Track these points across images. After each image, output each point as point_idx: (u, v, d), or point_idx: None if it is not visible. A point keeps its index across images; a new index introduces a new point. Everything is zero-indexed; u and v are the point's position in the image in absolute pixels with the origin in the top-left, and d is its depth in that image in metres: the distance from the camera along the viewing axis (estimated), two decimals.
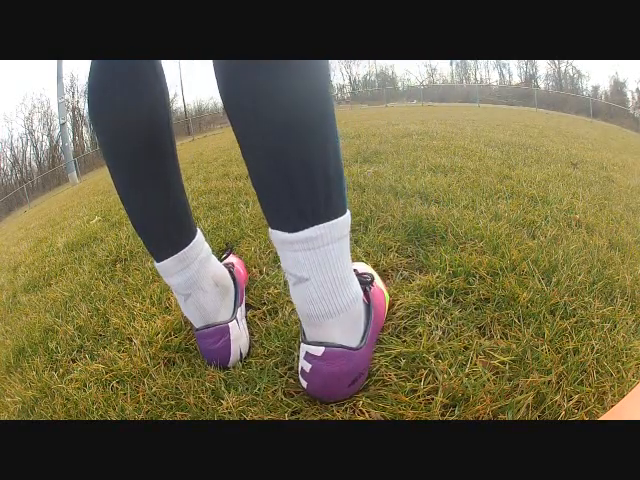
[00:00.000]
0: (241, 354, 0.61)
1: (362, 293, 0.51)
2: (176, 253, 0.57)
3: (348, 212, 0.46)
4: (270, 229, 0.47)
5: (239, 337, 0.61)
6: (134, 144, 0.52)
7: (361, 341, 0.49)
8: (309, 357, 0.48)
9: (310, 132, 0.42)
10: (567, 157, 2.34)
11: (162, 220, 0.57)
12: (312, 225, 0.43)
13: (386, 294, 0.65)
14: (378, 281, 0.64)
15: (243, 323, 0.65)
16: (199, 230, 0.62)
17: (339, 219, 0.44)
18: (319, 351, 0.47)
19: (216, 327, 0.59)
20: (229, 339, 0.59)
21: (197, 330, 0.60)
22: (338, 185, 0.44)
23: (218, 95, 0.47)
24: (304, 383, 0.50)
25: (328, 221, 0.44)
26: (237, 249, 0.99)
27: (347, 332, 0.48)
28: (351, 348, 0.48)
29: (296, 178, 0.42)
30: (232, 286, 0.66)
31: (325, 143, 0.43)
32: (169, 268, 0.58)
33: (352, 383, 0.49)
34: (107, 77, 0.51)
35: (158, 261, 0.58)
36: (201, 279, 0.59)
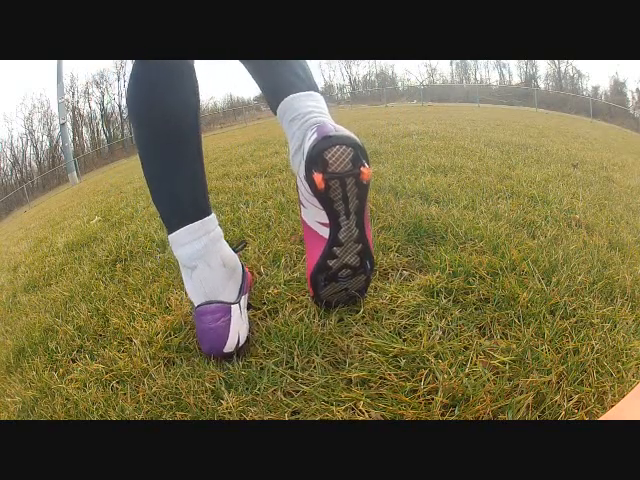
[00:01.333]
0: (238, 342, 0.60)
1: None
2: (189, 224, 0.61)
3: None
4: (280, 102, 0.62)
5: (239, 323, 0.61)
6: (158, 134, 0.61)
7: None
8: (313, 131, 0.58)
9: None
10: (567, 157, 2.34)
11: (182, 191, 0.62)
12: (310, 90, 0.63)
13: None
14: None
15: (245, 314, 0.65)
16: (214, 214, 0.66)
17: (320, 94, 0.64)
18: (321, 122, 0.58)
19: (218, 304, 0.60)
20: (229, 320, 0.59)
21: (198, 307, 0.60)
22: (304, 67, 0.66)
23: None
24: (312, 139, 0.56)
25: (317, 91, 0.63)
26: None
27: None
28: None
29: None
30: (240, 269, 0.67)
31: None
32: (180, 238, 0.61)
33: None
34: (136, 77, 0.60)
35: (170, 232, 0.62)
36: (209, 254, 0.61)
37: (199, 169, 0.64)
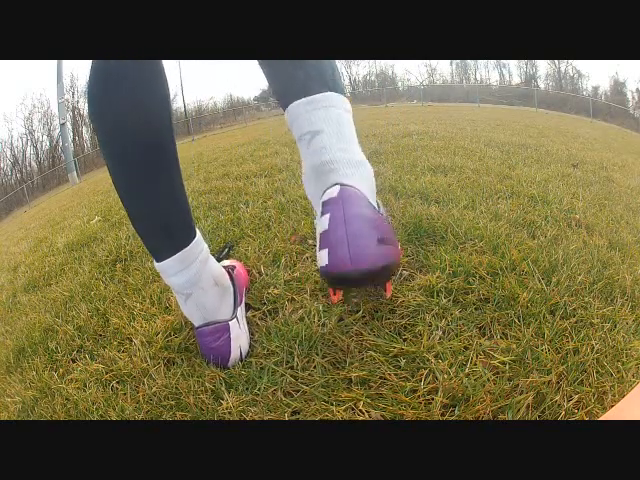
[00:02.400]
0: (241, 353, 0.61)
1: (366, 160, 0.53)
2: (177, 253, 0.57)
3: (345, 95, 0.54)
4: (287, 110, 0.53)
5: (239, 336, 0.61)
6: (136, 144, 0.52)
7: (368, 194, 0.49)
8: (326, 208, 0.46)
9: None
10: (567, 157, 2.34)
11: (164, 219, 0.56)
12: (324, 92, 0.51)
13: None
14: None
15: (243, 323, 0.65)
16: (198, 230, 0.62)
17: (342, 96, 0.53)
18: (335, 191, 0.46)
19: (216, 325, 0.60)
20: (229, 337, 0.60)
21: (197, 328, 0.61)
22: (333, 67, 0.55)
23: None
24: (324, 260, 0.45)
25: (334, 91, 0.52)
26: (237, 249, 0.99)
27: (354, 179, 0.48)
28: (358, 189, 0.47)
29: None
30: (230, 286, 0.66)
31: None
32: (170, 268, 0.57)
33: (381, 241, 0.44)
34: (109, 77, 0.51)
35: (158, 261, 0.58)
36: (201, 279, 0.59)
37: (180, 181, 0.58)
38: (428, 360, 0.54)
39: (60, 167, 19.58)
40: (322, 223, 0.46)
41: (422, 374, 0.52)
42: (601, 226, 1.08)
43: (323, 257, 0.45)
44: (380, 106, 16.20)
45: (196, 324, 0.61)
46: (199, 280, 0.59)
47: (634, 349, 0.56)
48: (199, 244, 0.60)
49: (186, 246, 0.57)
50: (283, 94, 0.54)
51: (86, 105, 0.55)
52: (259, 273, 0.84)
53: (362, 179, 0.49)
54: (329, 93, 0.52)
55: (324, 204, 0.46)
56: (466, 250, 0.83)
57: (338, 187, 0.46)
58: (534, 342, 0.57)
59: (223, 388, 0.55)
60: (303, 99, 0.51)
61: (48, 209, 5.41)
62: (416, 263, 0.81)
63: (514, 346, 0.56)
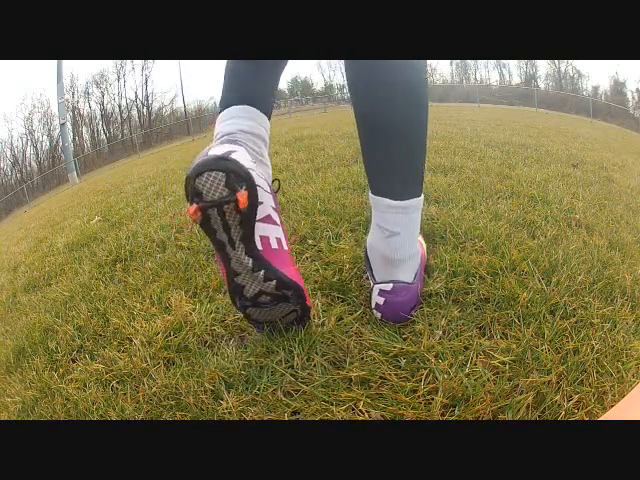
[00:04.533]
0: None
1: None
2: (250, 106, 0.62)
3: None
4: (373, 195, 0.62)
5: (241, 155, 0.53)
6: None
7: (414, 278, 0.63)
8: (382, 293, 0.61)
9: (414, 126, 0.58)
10: (567, 157, 2.34)
11: (264, 82, 0.65)
12: (411, 198, 0.60)
13: (424, 243, 0.79)
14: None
15: (261, 167, 0.60)
16: (269, 121, 0.66)
17: (422, 196, 0.63)
18: (389, 286, 0.61)
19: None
20: (226, 146, 0.53)
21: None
22: (423, 170, 0.62)
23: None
24: (378, 314, 0.62)
25: (418, 197, 0.61)
26: None
27: (406, 272, 0.62)
28: (409, 283, 0.62)
29: (405, 163, 0.59)
30: (269, 169, 0.64)
31: (424, 137, 0.60)
32: (235, 112, 0.61)
33: (412, 309, 0.62)
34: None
35: (233, 105, 0.62)
36: (249, 136, 0.60)
37: (277, 80, 0.67)
38: (428, 360, 0.54)
39: (60, 167, 19.59)
40: (377, 298, 0.62)
41: (422, 374, 0.52)
42: (601, 226, 1.08)
43: (375, 310, 0.63)
44: None
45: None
46: (247, 136, 0.60)
47: (634, 349, 0.56)
48: (266, 125, 0.64)
49: (259, 111, 0.63)
50: (375, 180, 0.62)
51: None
52: None
53: (413, 268, 0.63)
54: (415, 199, 0.60)
55: (381, 290, 0.61)
56: (466, 250, 0.83)
57: (391, 284, 0.61)
58: (534, 342, 0.57)
59: (223, 388, 0.55)
60: (393, 202, 0.59)
61: (48, 209, 5.40)
62: None
63: (514, 346, 0.56)
